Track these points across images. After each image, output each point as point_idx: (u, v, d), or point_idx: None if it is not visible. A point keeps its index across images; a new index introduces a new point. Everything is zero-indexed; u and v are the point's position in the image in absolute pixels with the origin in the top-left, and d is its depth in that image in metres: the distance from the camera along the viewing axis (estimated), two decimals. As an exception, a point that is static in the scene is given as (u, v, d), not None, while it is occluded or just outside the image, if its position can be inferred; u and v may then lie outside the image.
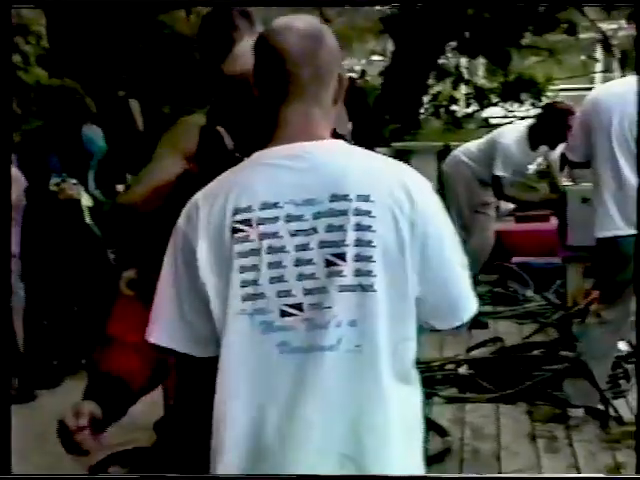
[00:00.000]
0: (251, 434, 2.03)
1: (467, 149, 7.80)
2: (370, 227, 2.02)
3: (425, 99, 15.09)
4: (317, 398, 2.01)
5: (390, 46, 17.48)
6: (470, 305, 2.18)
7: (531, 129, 7.42)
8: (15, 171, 5.84)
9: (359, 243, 2.02)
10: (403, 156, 9.16)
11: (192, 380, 2.35)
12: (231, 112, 2.58)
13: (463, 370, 6.21)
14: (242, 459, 2.04)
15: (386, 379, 2.04)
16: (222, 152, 2.49)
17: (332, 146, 2.13)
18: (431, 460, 4.85)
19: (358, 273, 2.01)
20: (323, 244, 2.02)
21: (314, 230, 2.03)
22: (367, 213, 2.02)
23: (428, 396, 5.81)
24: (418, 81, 14.59)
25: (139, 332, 2.32)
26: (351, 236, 2.02)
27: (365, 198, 2.03)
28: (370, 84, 17.18)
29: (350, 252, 2.01)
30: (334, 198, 2.03)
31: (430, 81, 15.03)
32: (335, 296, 2.01)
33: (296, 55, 2.08)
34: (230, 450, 2.05)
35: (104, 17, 9.20)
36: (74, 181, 6.39)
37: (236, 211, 2.04)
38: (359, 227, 2.02)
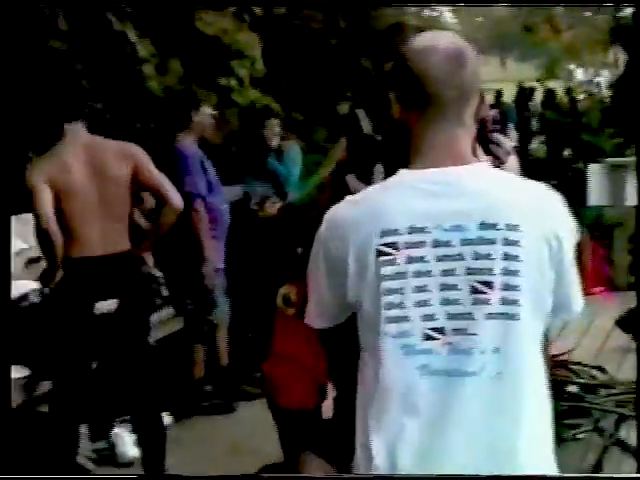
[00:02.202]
0: (389, 453, 2.06)
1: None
2: (517, 257, 2.03)
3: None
4: (456, 421, 2.03)
5: (622, 58, 17.00)
6: (580, 301, 2.23)
7: None
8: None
9: (506, 272, 2.02)
10: (617, 171, 8.91)
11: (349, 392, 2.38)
12: (377, 101, 2.57)
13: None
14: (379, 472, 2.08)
15: (526, 404, 2.06)
16: (358, 134, 2.50)
17: (479, 171, 2.12)
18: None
19: (504, 302, 2.03)
20: (469, 271, 2.03)
21: (461, 256, 2.03)
22: (515, 243, 2.03)
23: (625, 418, 5.63)
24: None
25: (301, 349, 2.39)
26: (499, 265, 2.02)
27: (514, 228, 2.03)
28: (597, 97, 16.76)
29: (498, 281, 2.02)
30: (483, 226, 2.03)
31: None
32: (481, 323, 2.02)
33: (439, 77, 2.07)
34: (369, 462, 2.09)
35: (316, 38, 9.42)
36: (274, 199, 6.57)
37: (383, 233, 2.05)
38: (507, 256, 2.03)
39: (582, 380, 6.34)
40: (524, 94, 21.12)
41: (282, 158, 7.06)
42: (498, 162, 2.49)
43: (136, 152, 4.71)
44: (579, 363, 6.74)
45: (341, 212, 2.13)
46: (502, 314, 2.02)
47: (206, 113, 6.35)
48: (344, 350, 2.29)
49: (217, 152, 6.94)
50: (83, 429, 5.42)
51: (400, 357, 2.04)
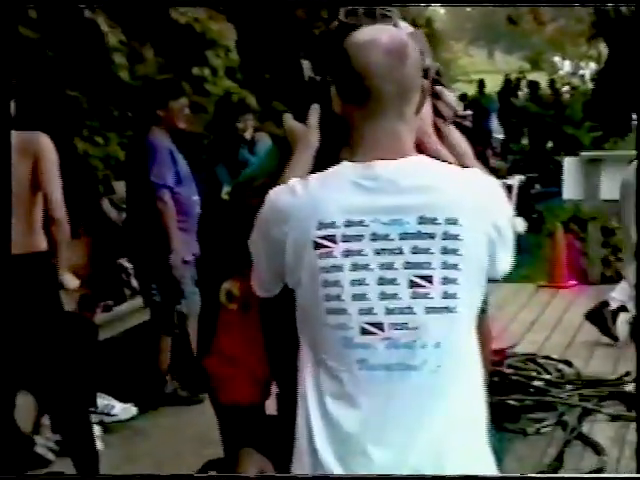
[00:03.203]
0: (329, 442, 2.06)
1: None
2: (457, 250, 2.02)
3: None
4: (394, 416, 2.03)
5: (605, 51, 17.04)
6: (509, 266, 2.18)
7: None
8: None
9: (446, 266, 2.02)
10: (592, 165, 8.93)
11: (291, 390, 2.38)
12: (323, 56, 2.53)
13: (631, 387, 5.95)
14: (317, 463, 2.07)
15: (466, 395, 2.07)
16: (300, 81, 2.47)
17: (418, 165, 2.11)
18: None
19: (445, 296, 2.02)
20: (408, 265, 2.02)
21: (400, 250, 2.02)
22: (455, 237, 2.02)
23: (589, 412, 5.65)
24: (631, 87, 14.11)
25: (244, 346, 2.37)
26: (438, 259, 2.02)
27: (454, 221, 2.03)
28: (580, 90, 16.78)
29: (437, 275, 2.02)
30: (422, 220, 2.02)
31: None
32: (422, 318, 2.02)
33: (379, 71, 2.06)
34: (307, 454, 2.09)
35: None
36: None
37: (320, 225, 2.05)
38: (446, 250, 2.02)
39: (548, 376, 6.36)
40: (509, 86, 21.14)
41: (254, 149, 7.04)
42: (443, 122, 2.42)
43: (39, 146, 4.37)
44: (547, 357, 6.77)
45: (281, 198, 2.11)
46: (443, 308, 2.02)
47: (181, 103, 6.34)
48: (286, 346, 2.28)
49: (191, 140, 6.91)
50: (45, 420, 5.42)
51: (340, 349, 2.04)
